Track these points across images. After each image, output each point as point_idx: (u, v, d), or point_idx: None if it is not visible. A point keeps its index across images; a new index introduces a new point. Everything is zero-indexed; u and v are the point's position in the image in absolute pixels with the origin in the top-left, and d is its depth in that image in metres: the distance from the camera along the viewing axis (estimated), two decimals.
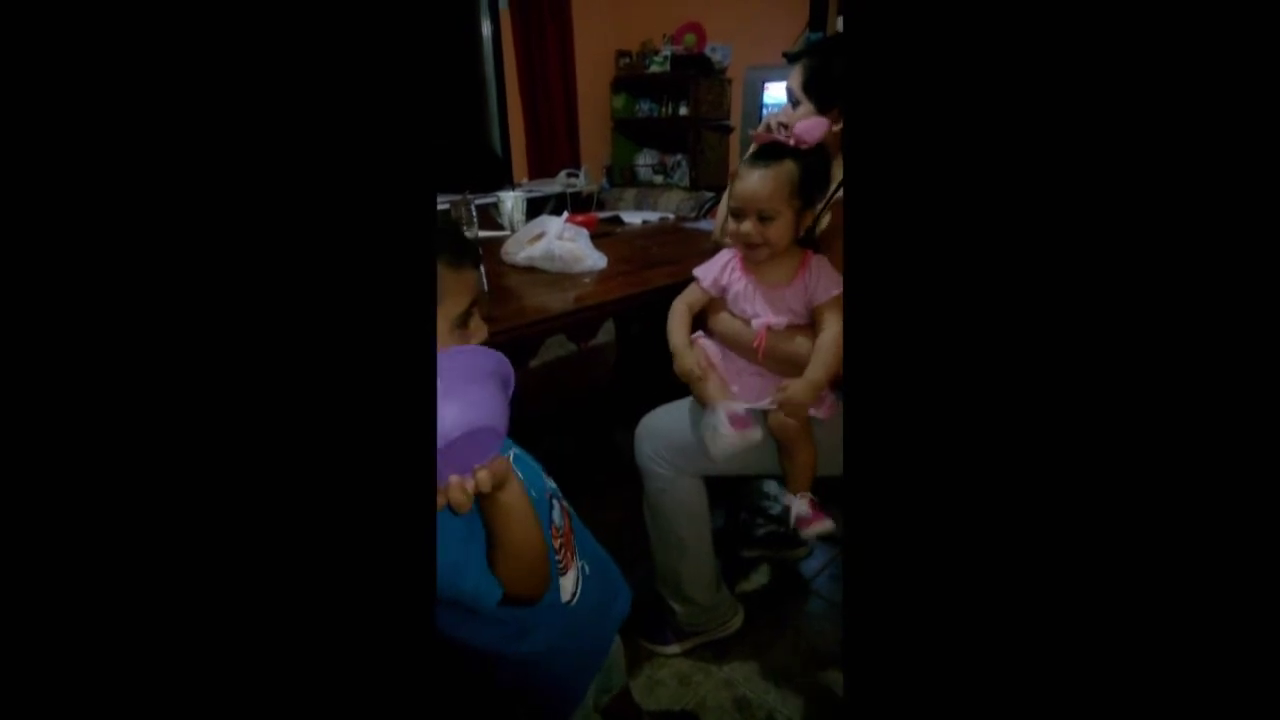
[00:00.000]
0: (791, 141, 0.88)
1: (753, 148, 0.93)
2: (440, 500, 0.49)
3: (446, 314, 0.57)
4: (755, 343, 0.96)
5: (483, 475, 0.50)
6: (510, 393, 0.55)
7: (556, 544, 0.66)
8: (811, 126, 0.87)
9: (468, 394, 0.50)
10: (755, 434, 0.91)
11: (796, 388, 0.89)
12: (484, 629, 0.63)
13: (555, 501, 0.69)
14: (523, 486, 0.58)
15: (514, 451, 0.68)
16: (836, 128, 0.95)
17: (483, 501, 0.54)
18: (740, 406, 0.93)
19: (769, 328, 0.95)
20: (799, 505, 0.97)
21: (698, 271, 1.02)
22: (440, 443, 0.47)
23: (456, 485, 0.49)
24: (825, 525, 0.97)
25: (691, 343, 1.01)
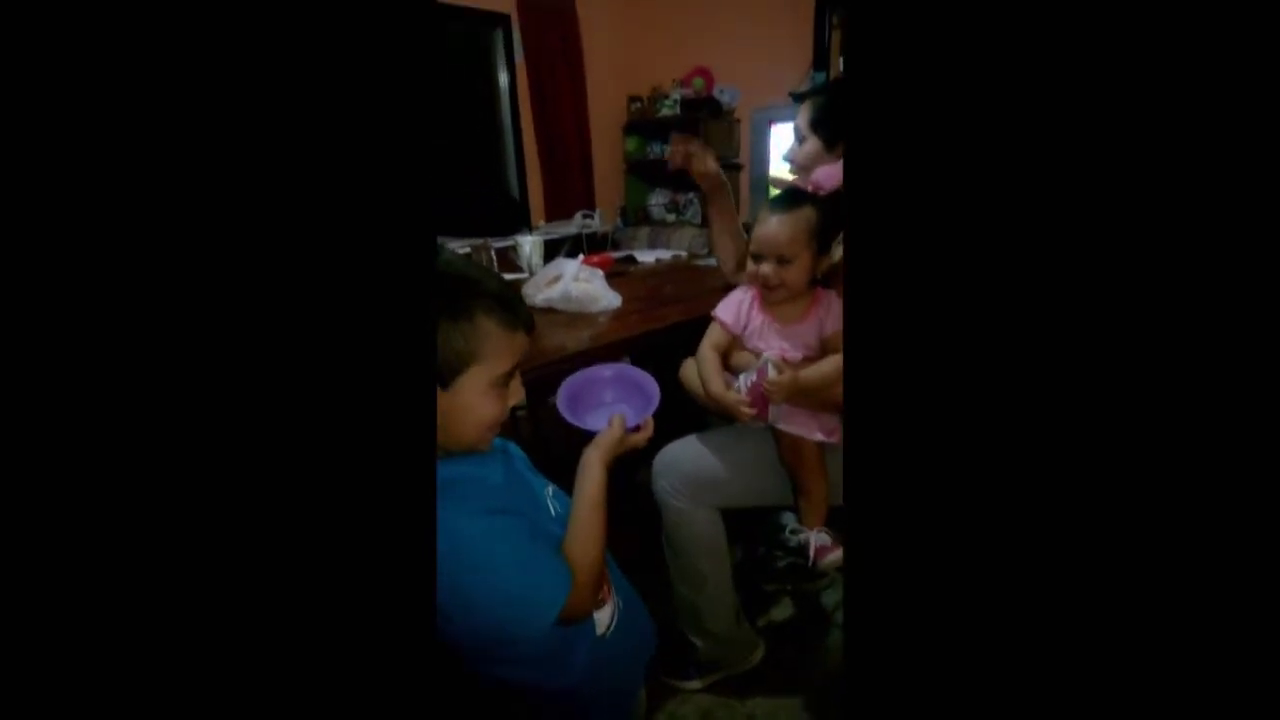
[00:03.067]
0: (810, 188, 0.92)
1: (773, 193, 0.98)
2: (640, 437, 0.73)
3: (491, 371, 0.57)
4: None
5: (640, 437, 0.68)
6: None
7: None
8: (830, 173, 0.91)
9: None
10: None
11: (781, 378, 0.90)
12: (522, 665, 0.64)
13: None
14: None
15: (552, 488, 0.71)
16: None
17: (600, 474, 0.66)
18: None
19: (784, 359, 0.98)
20: (817, 537, 0.98)
21: (718, 313, 1.05)
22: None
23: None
24: (836, 558, 0.97)
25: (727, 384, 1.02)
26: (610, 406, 0.80)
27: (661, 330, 1.24)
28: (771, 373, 0.91)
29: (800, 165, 1.07)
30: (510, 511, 0.60)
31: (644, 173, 3.74)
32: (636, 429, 0.74)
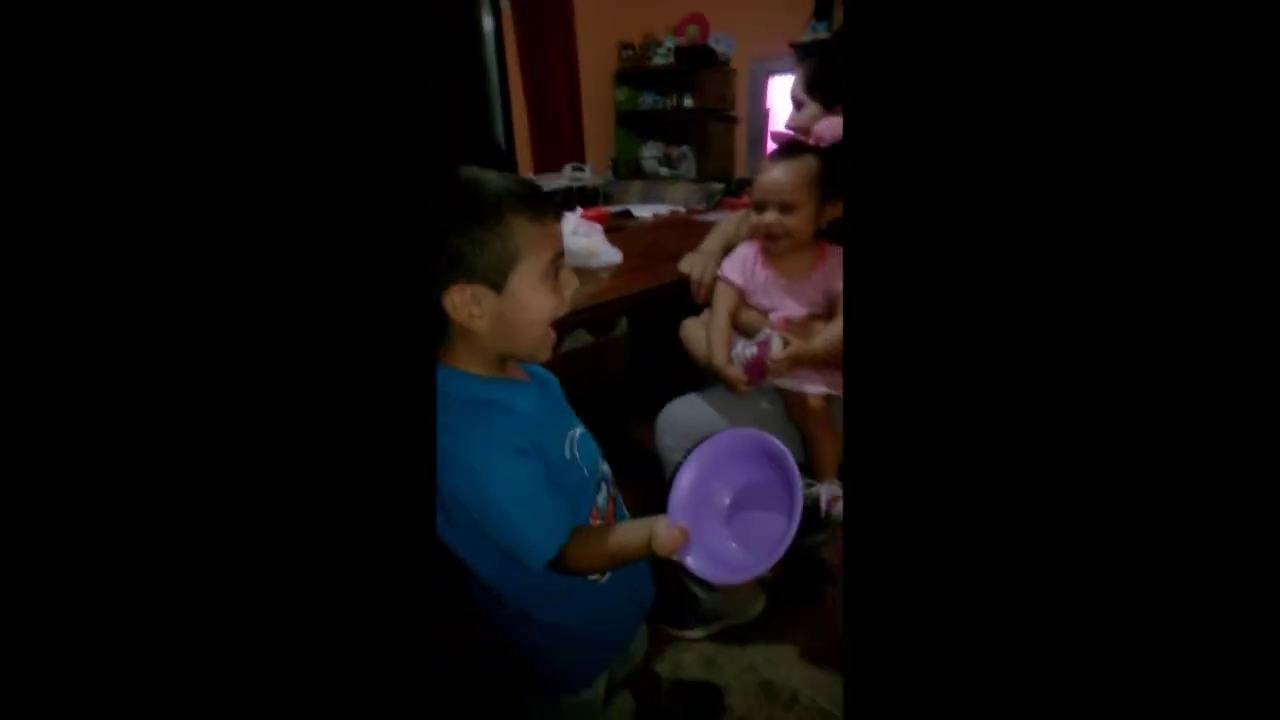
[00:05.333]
0: (812, 140, 0.90)
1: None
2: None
3: (536, 265, 0.58)
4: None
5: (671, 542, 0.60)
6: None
7: (596, 525, 0.69)
8: (831, 125, 0.89)
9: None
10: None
11: (785, 355, 0.89)
12: (520, 582, 0.66)
13: (604, 485, 0.72)
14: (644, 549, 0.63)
15: (579, 430, 0.71)
16: None
17: (642, 550, 0.62)
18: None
19: (787, 319, 0.97)
20: (828, 489, 0.99)
21: (725, 271, 1.03)
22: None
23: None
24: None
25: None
26: (750, 515, 0.63)
27: (665, 287, 1.22)
28: (777, 346, 0.90)
29: (801, 132, 1.05)
30: (529, 452, 0.61)
31: (635, 124, 3.65)
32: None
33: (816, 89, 1.01)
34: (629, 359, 2.22)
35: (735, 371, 0.96)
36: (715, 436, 0.64)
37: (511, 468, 0.59)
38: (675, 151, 3.48)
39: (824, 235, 0.99)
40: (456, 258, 0.55)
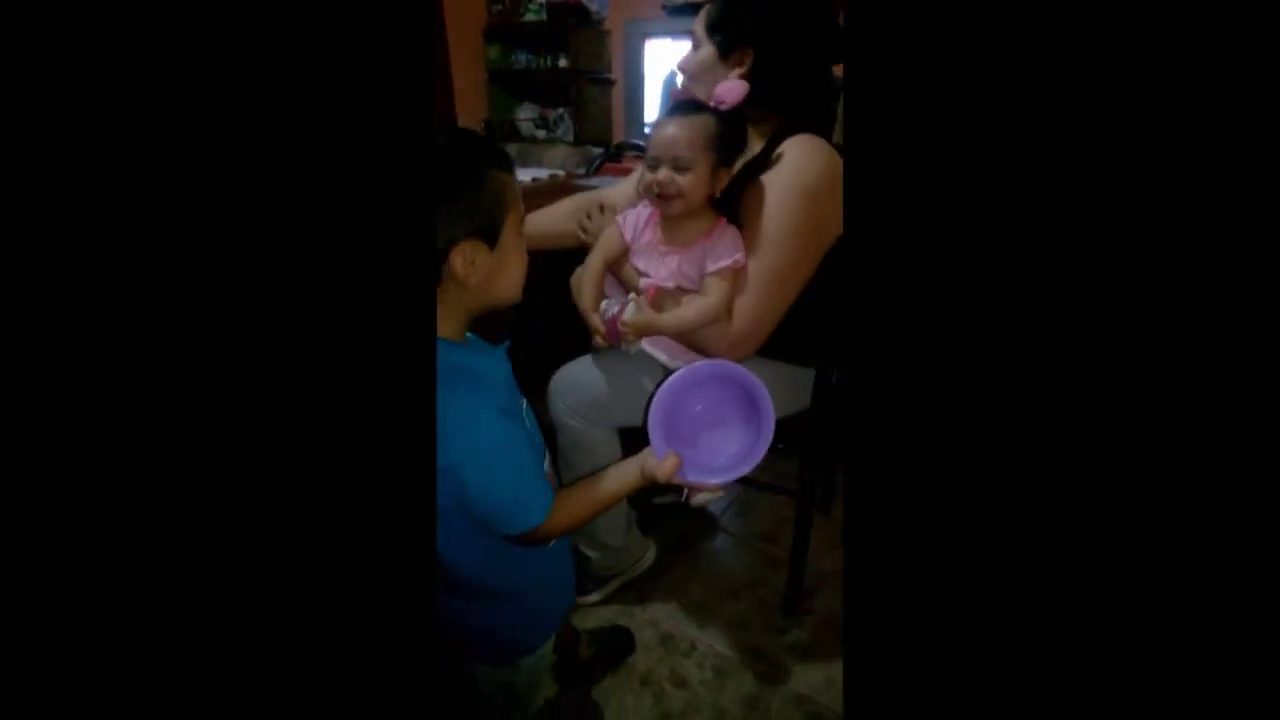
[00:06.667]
0: (712, 103, 0.89)
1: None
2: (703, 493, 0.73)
3: (517, 216, 0.62)
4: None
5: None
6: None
7: (570, 485, 0.73)
8: (731, 88, 0.88)
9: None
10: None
11: (635, 319, 0.91)
12: (481, 556, 0.67)
13: (545, 454, 0.73)
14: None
15: (524, 403, 0.72)
16: (741, 70, 0.96)
17: (630, 486, 0.70)
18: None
19: (658, 288, 0.97)
20: None
21: (620, 219, 1.00)
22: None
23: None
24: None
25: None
26: (724, 430, 0.73)
27: (545, 252, 1.18)
28: (630, 310, 0.91)
29: (694, 73, 1.02)
30: (513, 416, 0.64)
31: (509, 83, 3.49)
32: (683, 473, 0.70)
33: (717, 30, 0.99)
34: (511, 331, 2.15)
35: (596, 321, 0.95)
36: (671, 377, 0.72)
37: (502, 428, 0.61)
38: (552, 114, 3.38)
39: (717, 205, 0.98)
40: (456, 217, 0.57)
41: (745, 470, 0.69)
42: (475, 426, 0.59)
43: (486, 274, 0.60)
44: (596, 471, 0.73)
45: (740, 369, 0.71)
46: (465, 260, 0.58)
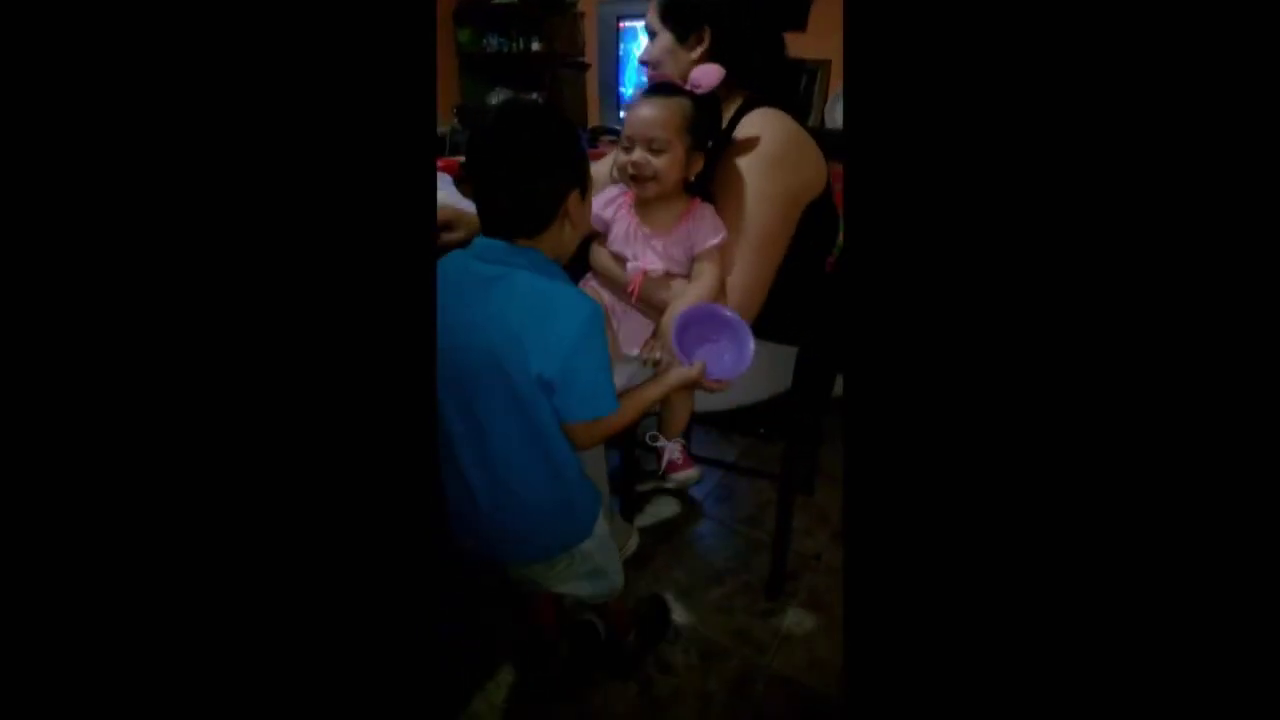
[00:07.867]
0: (689, 87, 0.88)
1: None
2: (717, 387, 0.86)
3: (589, 176, 0.75)
4: (630, 288, 0.97)
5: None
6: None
7: None
8: (707, 71, 0.87)
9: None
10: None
11: (658, 347, 0.94)
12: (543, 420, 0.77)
13: None
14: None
15: None
16: (698, 52, 0.96)
17: (662, 391, 0.84)
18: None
19: (646, 273, 0.96)
20: (671, 450, 1.01)
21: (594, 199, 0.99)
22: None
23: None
24: (689, 474, 1.02)
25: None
26: (714, 346, 0.89)
27: None
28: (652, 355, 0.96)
29: (655, 63, 1.01)
30: None
31: (481, 67, 3.42)
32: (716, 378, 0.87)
33: (670, 18, 0.97)
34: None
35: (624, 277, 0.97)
36: (684, 311, 0.87)
37: (602, 323, 0.73)
38: (525, 99, 3.32)
39: (692, 188, 0.97)
40: (569, 169, 0.71)
41: (744, 368, 0.86)
42: (591, 314, 0.70)
43: (577, 221, 0.74)
44: (633, 387, 0.85)
45: (712, 305, 0.89)
46: (575, 205, 0.71)
